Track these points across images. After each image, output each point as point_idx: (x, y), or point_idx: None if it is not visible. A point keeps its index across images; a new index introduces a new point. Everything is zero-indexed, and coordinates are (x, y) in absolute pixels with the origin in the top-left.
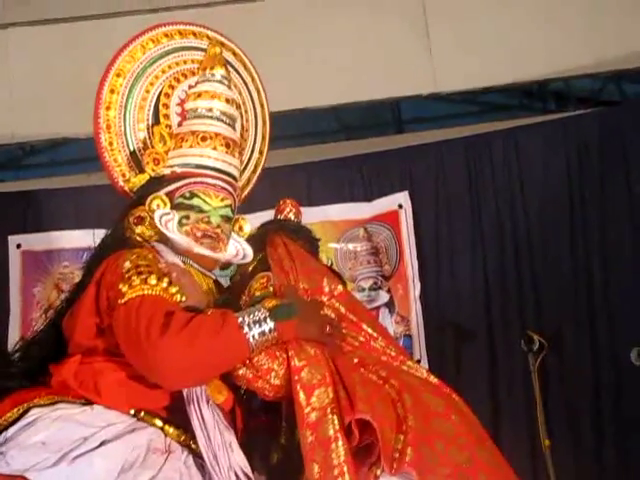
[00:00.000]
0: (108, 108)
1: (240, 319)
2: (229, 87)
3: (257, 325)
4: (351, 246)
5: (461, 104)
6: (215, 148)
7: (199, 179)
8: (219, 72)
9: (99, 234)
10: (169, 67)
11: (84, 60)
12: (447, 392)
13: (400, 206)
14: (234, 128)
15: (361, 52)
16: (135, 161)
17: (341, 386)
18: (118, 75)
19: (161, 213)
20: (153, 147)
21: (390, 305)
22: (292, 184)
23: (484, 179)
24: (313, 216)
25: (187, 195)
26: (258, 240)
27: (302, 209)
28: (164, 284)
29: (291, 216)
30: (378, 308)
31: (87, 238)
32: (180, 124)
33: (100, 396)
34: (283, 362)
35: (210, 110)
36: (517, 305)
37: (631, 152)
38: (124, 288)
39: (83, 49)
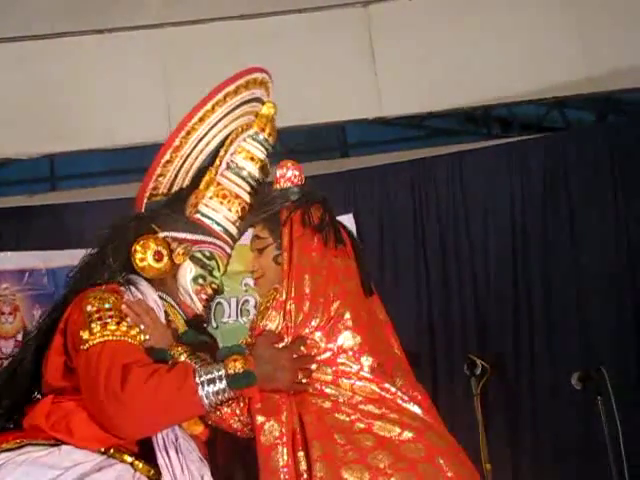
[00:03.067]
0: (188, 133)
1: (198, 380)
2: (267, 152)
3: (215, 388)
4: None
5: (406, 128)
6: (230, 210)
7: (219, 242)
8: (265, 135)
9: (40, 255)
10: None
11: (27, 81)
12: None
13: None
14: (255, 193)
15: (307, 76)
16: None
17: (301, 447)
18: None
19: (189, 268)
20: (199, 187)
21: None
22: None
23: (428, 203)
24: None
25: (207, 254)
26: (273, 221)
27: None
28: (124, 327)
29: (295, 181)
30: None
31: (27, 260)
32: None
33: (72, 436)
34: (244, 408)
35: (243, 170)
36: (460, 329)
37: (573, 180)
38: (85, 335)
39: (27, 70)
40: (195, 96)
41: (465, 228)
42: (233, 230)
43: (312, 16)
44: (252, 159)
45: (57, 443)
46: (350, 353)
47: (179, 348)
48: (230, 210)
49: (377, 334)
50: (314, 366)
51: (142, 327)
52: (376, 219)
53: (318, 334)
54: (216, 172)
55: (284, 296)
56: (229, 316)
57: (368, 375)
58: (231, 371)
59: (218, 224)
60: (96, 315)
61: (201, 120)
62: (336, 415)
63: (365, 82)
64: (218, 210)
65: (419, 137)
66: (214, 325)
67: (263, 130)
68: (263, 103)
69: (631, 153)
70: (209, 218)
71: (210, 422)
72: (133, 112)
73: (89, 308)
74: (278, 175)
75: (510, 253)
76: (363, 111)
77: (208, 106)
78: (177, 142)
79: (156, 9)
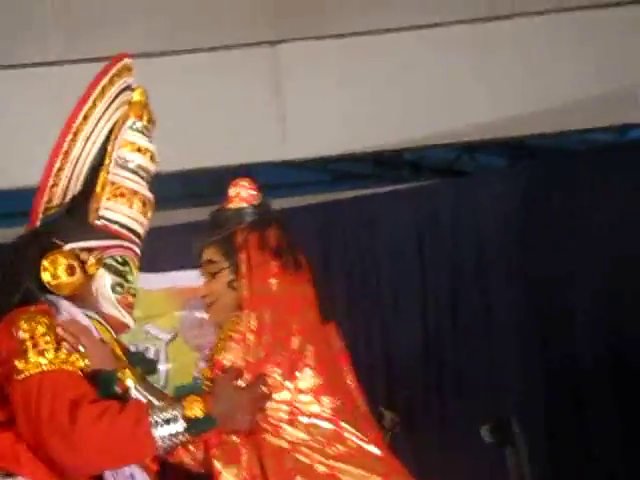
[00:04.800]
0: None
1: (153, 420)
2: (150, 139)
3: (171, 431)
4: (197, 314)
5: (313, 171)
6: (132, 206)
7: (127, 243)
8: (144, 122)
9: None
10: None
11: None
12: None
13: None
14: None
15: (211, 116)
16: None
17: None
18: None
19: (105, 277)
20: (95, 191)
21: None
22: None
23: (337, 248)
24: (158, 283)
25: (120, 260)
26: (227, 243)
27: (145, 275)
28: (63, 355)
29: (250, 200)
30: None
31: None
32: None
33: (21, 466)
34: (199, 445)
35: (132, 163)
36: (368, 381)
37: (483, 223)
38: (20, 364)
39: None
40: None
41: (375, 273)
42: (138, 228)
43: (219, 55)
44: (139, 150)
45: (10, 474)
46: (310, 393)
47: (126, 370)
48: (131, 207)
49: (336, 369)
50: (272, 404)
51: (81, 350)
52: None
53: (278, 371)
54: (108, 171)
55: (242, 327)
56: None
57: (329, 415)
58: (190, 414)
59: (122, 225)
60: (30, 342)
61: (85, 119)
62: (296, 456)
63: (271, 123)
64: (118, 210)
65: (326, 181)
66: None
67: (140, 118)
68: (133, 90)
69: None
70: (112, 221)
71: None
72: (29, 152)
73: (21, 334)
74: (232, 194)
75: (420, 300)
76: (268, 153)
77: (89, 102)
78: (65, 147)
79: (58, 45)
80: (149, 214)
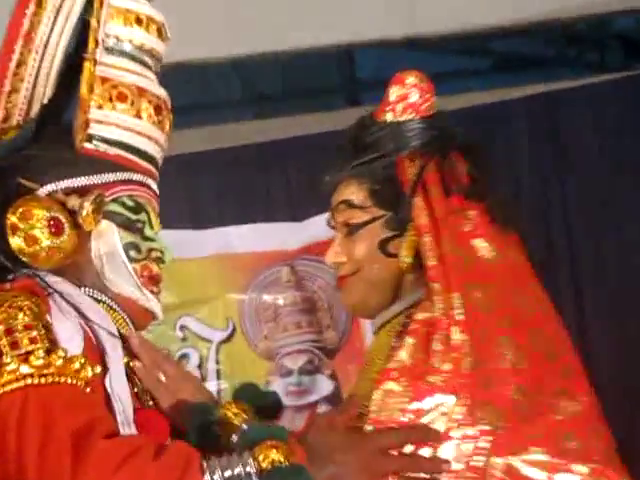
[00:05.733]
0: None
1: (209, 477)
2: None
3: None
4: (267, 297)
5: (460, 55)
6: (140, 116)
7: (138, 176)
8: None
9: None
10: None
11: None
12: None
13: None
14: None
15: None
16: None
17: None
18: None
19: (111, 233)
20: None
21: (335, 400)
22: (167, 192)
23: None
24: (200, 246)
25: (131, 205)
26: (382, 179)
27: (181, 234)
28: (58, 360)
29: (423, 108)
30: (315, 405)
31: None
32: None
33: None
34: None
35: (129, 43)
36: None
37: None
38: None
39: None
40: None
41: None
42: (153, 149)
43: None
44: (138, 21)
45: None
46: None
47: (233, 407)
48: (139, 117)
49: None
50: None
51: (162, 378)
52: None
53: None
54: (94, 61)
55: (437, 315)
56: None
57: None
58: (266, 464)
59: (127, 147)
60: (6, 339)
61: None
62: None
63: None
64: (120, 123)
65: (480, 70)
66: None
67: None
68: None
69: None
70: (110, 142)
71: None
72: None
73: None
74: (391, 97)
75: None
76: (385, 27)
77: None
78: (26, 25)
79: None
80: (167, 126)
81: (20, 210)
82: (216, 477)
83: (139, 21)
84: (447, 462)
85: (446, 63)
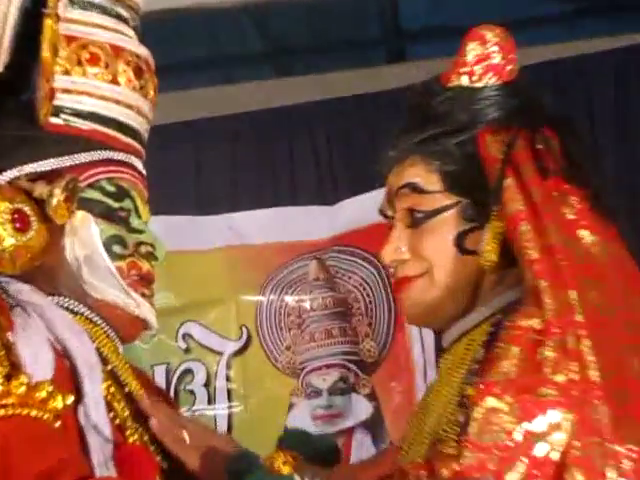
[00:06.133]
0: None
1: None
2: None
3: None
4: (290, 299)
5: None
6: (116, 79)
7: (120, 155)
8: None
9: None
10: None
11: None
12: None
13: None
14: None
15: None
16: None
17: None
18: None
19: (89, 225)
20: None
21: (375, 426)
22: (176, 166)
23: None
24: (206, 236)
25: (111, 190)
26: (457, 157)
27: (181, 220)
28: (21, 387)
29: (505, 72)
30: (350, 431)
31: None
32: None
33: None
34: None
35: None
36: None
37: None
38: None
39: None
40: None
41: None
42: (135, 121)
43: None
44: None
45: None
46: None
47: (281, 456)
48: (116, 82)
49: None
50: None
51: (186, 438)
52: None
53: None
54: (57, 17)
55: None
56: None
57: None
58: None
59: (104, 119)
60: None
61: None
62: None
63: None
64: (93, 91)
65: (561, 16)
66: None
67: None
68: None
69: None
70: (82, 114)
71: None
72: None
73: None
74: (468, 57)
75: None
76: None
77: None
78: None
79: None
80: (151, 91)
81: None
82: None
83: None
84: None
85: (514, 8)
